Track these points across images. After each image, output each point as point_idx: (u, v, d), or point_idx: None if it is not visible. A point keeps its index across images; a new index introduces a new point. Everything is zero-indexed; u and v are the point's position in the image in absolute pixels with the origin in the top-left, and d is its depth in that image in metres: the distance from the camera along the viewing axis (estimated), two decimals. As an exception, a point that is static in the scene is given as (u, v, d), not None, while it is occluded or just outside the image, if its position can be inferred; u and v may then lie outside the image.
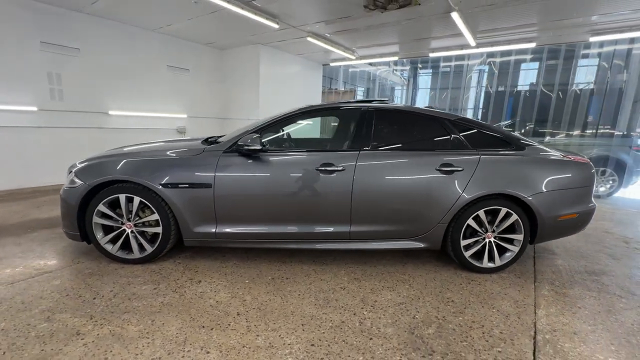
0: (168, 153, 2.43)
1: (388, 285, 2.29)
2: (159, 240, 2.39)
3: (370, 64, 13.65)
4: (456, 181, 2.37)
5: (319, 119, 5.84)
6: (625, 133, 7.22)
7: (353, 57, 6.90)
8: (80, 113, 5.08)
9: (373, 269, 2.54)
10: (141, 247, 2.42)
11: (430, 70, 19.27)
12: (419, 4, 3.91)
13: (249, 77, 6.76)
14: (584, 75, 14.31)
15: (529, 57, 14.22)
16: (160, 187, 2.28)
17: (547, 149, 2.63)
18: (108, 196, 2.32)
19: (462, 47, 5.99)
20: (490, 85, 15.21)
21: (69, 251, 2.66)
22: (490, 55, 14.04)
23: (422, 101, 18.22)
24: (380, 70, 16.00)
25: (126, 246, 2.43)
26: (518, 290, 2.28)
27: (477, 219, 2.42)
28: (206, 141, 2.84)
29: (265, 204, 2.37)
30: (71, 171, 2.48)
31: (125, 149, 2.73)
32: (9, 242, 2.78)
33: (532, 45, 5.61)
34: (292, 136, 3.21)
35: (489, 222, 2.43)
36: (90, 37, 5.04)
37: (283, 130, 3.02)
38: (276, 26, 4.90)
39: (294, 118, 2.56)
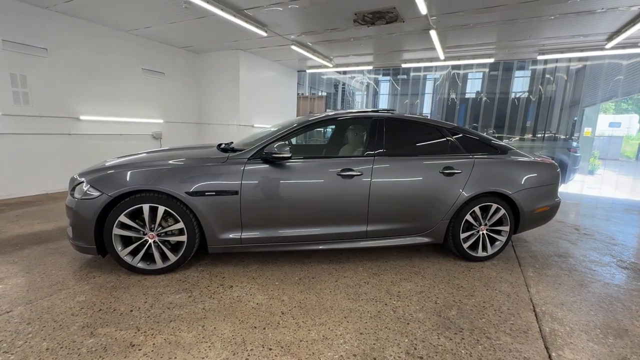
0: (192, 161, 2.45)
1: (404, 278, 2.55)
2: (183, 249, 2.40)
3: (338, 71, 14.15)
4: (456, 182, 2.72)
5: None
6: (566, 137, 8.40)
7: (330, 65, 7.18)
8: (48, 118, 4.68)
9: (386, 264, 2.78)
10: (164, 257, 2.40)
11: (389, 78, 20.47)
12: (403, 21, 4.29)
13: (228, 82, 6.71)
14: (521, 85, 16.22)
15: (474, 69, 15.82)
16: (186, 195, 2.30)
17: (522, 152, 3.10)
18: (131, 206, 2.27)
19: (431, 59, 6.58)
20: (443, 93, 16.60)
21: (77, 266, 2.52)
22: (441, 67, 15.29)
23: (383, 106, 19.19)
24: (342, 76, 16.59)
25: (146, 257, 2.39)
26: (509, 274, 2.68)
27: (472, 214, 2.79)
28: (220, 148, 2.88)
29: (290, 208, 2.50)
30: (79, 183, 2.37)
31: (130, 158, 2.67)
32: (1, 262, 2.55)
33: (491, 60, 6.37)
34: (303, 143, 3.38)
35: (482, 217, 2.82)
36: (59, 37, 4.67)
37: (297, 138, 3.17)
38: (264, 34, 4.99)
39: (313, 126, 2.72)
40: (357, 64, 7.39)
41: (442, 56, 6.01)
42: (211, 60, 6.80)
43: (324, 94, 15.41)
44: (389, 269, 2.68)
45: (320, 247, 2.62)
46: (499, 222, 2.87)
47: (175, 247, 2.43)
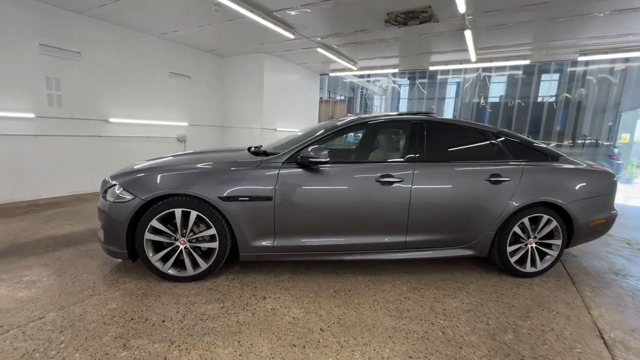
0: (225, 164, 2.36)
1: (448, 293, 2.35)
2: (214, 256, 2.30)
3: (356, 75, 14.03)
4: (504, 191, 2.50)
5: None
6: (609, 144, 7.92)
7: (354, 68, 7.06)
8: (79, 120, 4.76)
9: (426, 277, 2.59)
10: (194, 264, 2.31)
11: (408, 82, 20.14)
12: (438, 21, 4.11)
13: (252, 85, 6.69)
14: (550, 88, 15.52)
15: (506, 71, 15.25)
16: (219, 200, 2.21)
17: (574, 159, 2.85)
18: (163, 210, 2.20)
19: (461, 61, 6.35)
20: (470, 96, 16.10)
21: (108, 270, 2.47)
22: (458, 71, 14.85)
23: (403, 109, 18.91)
24: (359, 80, 16.44)
25: (177, 263, 2.31)
26: (564, 293, 2.43)
27: (520, 226, 2.56)
28: (251, 152, 2.79)
29: (326, 215, 2.36)
30: (111, 185, 2.32)
31: (159, 161, 2.61)
32: (34, 263, 2.54)
33: (526, 62, 6.07)
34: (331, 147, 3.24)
35: (531, 229, 2.58)
36: (92, 41, 4.77)
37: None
38: (291, 36, 4.92)
39: (351, 129, 2.58)
40: (382, 67, 7.24)
41: (473, 58, 5.77)
42: (236, 63, 6.81)
43: (342, 97, 15.29)
44: (430, 283, 2.49)
45: (357, 257, 2.46)
46: (550, 235, 2.63)
47: (206, 254, 2.34)
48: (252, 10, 3.98)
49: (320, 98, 11.20)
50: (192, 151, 3.18)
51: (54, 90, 4.45)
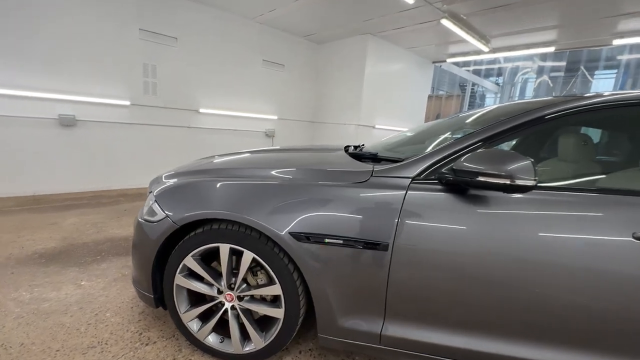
0: (309, 174, 1.36)
1: None
2: (276, 330, 1.33)
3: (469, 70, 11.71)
4: None
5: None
6: None
7: (485, 49, 5.36)
8: (171, 110, 4.55)
9: None
10: (244, 335, 1.38)
11: (535, 76, 16.19)
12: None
13: (350, 75, 5.72)
14: None
15: None
16: (290, 238, 1.21)
17: None
18: (202, 244, 1.33)
19: (679, 27, 4.04)
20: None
21: (139, 311, 1.76)
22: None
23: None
24: (468, 74, 13.76)
25: (220, 325, 1.42)
26: None
27: None
28: (348, 152, 1.74)
29: (506, 297, 1.11)
30: (151, 191, 1.56)
31: (224, 159, 1.77)
32: (69, 280, 2.02)
33: None
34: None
35: None
36: (188, 26, 4.49)
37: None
38: (410, 1, 3.71)
39: (567, 118, 1.24)
40: (528, 46, 5.31)
41: None
42: (334, 49, 5.94)
43: (456, 93, 12.98)
44: None
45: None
46: None
47: (264, 323, 1.39)
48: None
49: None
50: (276, 147, 2.29)
51: (150, 78, 4.29)
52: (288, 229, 1.21)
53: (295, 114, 6.18)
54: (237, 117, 5.28)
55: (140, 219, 1.48)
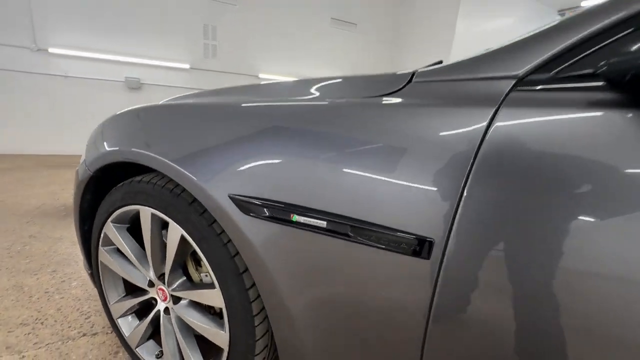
0: (280, 88, 0.72)
1: None
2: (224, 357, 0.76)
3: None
4: None
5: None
6: None
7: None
8: (230, 75, 4.33)
9: None
10: (182, 357, 0.85)
11: None
12: None
13: (437, 35, 4.63)
14: None
15: None
16: (230, 204, 0.59)
17: None
18: (119, 206, 0.83)
19: None
20: None
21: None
22: None
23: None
24: None
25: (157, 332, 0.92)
26: None
27: None
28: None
29: None
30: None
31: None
32: (71, 236, 1.83)
33: None
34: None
35: None
36: (250, -19, 4.13)
37: None
38: None
39: None
40: None
41: None
42: (417, 5, 4.89)
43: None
44: None
45: None
46: None
47: (210, 342, 0.83)
48: None
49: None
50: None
51: (210, 40, 4.11)
52: (229, 188, 0.60)
53: (367, 83, 5.40)
54: (299, 85, 4.81)
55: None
